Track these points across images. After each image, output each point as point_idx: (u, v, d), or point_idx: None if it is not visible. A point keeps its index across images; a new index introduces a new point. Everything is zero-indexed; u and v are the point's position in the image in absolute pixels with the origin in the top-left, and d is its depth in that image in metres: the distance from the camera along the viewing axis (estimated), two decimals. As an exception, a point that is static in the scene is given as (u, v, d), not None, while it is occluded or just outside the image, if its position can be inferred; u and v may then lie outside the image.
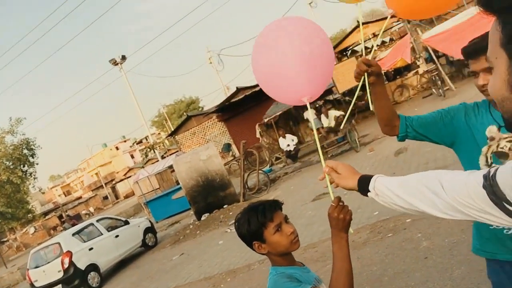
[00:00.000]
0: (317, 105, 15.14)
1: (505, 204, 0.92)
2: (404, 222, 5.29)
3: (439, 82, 14.37)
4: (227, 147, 23.71)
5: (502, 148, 1.70)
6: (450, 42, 12.65)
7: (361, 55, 10.87)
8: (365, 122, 17.09)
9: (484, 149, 1.75)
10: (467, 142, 1.79)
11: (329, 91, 16.24)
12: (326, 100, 16.80)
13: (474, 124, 1.77)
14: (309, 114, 16.31)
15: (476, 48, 1.65)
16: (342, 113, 14.21)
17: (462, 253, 3.96)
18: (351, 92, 15.67)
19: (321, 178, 1.50)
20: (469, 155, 1.80)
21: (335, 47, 20.65)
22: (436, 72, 14.88)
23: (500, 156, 1.72)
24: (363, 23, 18.29)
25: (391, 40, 22.31)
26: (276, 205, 1.63)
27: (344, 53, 20.79)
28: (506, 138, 1.70)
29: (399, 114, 1.86)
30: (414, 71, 17.64)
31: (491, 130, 1.73)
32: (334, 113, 14.23)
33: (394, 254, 4.65)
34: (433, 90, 15.14)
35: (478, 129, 1.76)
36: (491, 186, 0.95)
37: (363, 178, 1.34)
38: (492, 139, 1.73)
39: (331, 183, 1.49)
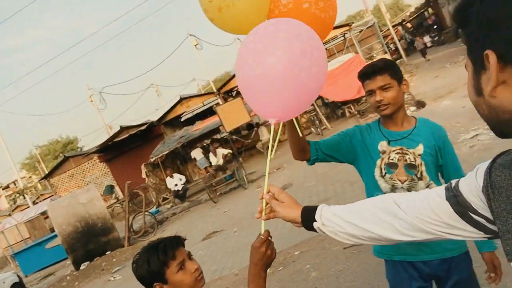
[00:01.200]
0: (204, 144, 15.18)
1: (470, 214, 0.89)
2: (293, 255, 5.40)
3: (317, 122, 15.69)
4: (109, 189, 22.36)
5: (392, 159, 1.95)
6: (325, 86, 13.86)
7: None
8: (252, 159, 17.56)
9: (378, 161, 1.98)
10: (364, 158, 2.03)
11: (216, 130, 16.44)
12: (213, 139, 16.96)
13: (368, 141, 2.02)
14: (197, 153, 16.26)
15: (373, 69, 1.94)
16: (230, 151, 14.45)
17: (348, 280, 4.14)
18: (237, 131, 16.06)
19: (261, 197, 1.35)
20: (367, 168, 2.03)
21: (220, 88, 21.19)
22: (314, 113, 16.06)
23: (391, 167, 1.95)
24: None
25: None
26: (178, 242, 1.54)
27: (230, 94, 21.43)
28: (395, 150, 1.95)
29: (308, 140, 1.99)
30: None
31: (382, 145, 1.98)
32: (222, 151, 14.39)
33: (285, 287, 4.69)
34: (312, 129, 16.37)
35: (372, 145, 2.00)
36: (454, 196, 0.92)
37: (308, 208, 1.24)
38: (384, 152, 1.97)
39: (269, 213, 1.35)
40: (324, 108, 18.08)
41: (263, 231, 1.35)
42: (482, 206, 0.87)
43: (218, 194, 12.90)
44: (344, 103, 16.23)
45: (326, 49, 20.84)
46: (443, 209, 0.94)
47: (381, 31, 26.54)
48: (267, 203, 1.34)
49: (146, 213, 12.36)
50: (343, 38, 22.18)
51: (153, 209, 15.11)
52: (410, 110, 10.97)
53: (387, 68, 1.92)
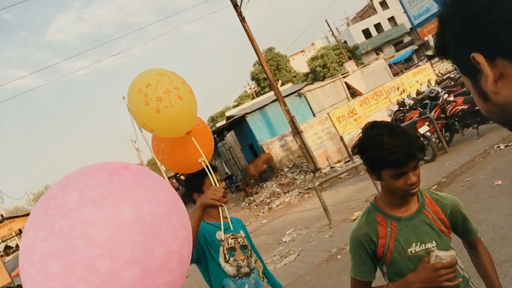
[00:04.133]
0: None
1: None
2: None
3: None
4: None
5: (230, 244, 2.32)
6: None
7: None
8: None
9: (221, 249, 2.28)
10: (208, 253, 2.27)
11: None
12: None
13: (208, 236, 2.29)
14: None
15: None
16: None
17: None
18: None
19: None
20: (212, 260, 2.26)
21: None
22: None
23: (231, 250, 2.30)
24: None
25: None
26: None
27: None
28: (230, 236, 2.34)
29: None
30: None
31: (219, 234, 2.31)
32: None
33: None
34: None
35: (212, 238, 2.29)
36: None
37: None
38: (222, 240, 2.30)
39: None
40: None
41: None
42: None
43: None
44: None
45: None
46: None
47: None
48: None
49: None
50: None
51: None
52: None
53: None
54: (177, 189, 39.84)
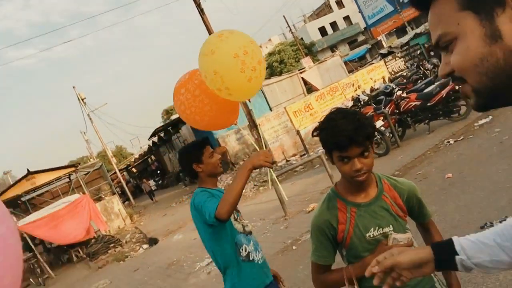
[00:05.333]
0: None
1: None
2: None
3: (38, 271, 13.62)
4: None
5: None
6: (48, 228, 13.64)
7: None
8: None
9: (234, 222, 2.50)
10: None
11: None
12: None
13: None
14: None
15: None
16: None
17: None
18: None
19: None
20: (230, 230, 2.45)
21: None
22: (34, 260, 13.88)
23: (236, 211, 2.53)
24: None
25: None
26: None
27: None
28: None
29: None
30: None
31: None
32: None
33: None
34: (31, 279, 13.57)
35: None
36: None
37: (438, 243, 1.11)
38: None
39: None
40: (46, 254, 15.61)
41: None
42: None
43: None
44: (71, 246, 14.64)
45: (49, 191, 19.88)
46: None
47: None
48: None
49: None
50: (68, 179, 20.24)
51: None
52: (143, 248, 11.96)
53: None
54: (127, 182, 38.78)
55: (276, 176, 8.53)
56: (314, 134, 1.67)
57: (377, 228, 1.63)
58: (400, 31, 34.07)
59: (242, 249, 2.44)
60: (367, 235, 1.63)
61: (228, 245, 2.41)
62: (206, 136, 2.66)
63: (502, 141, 6.29)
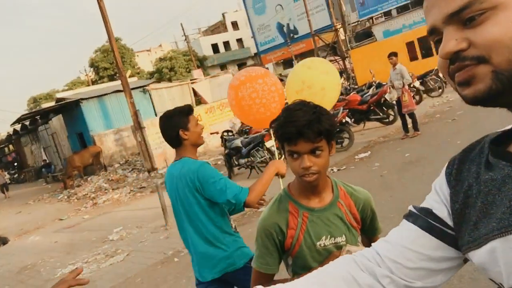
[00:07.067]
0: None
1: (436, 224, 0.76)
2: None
3: None
4: None
5: None
6: None
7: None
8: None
9: None
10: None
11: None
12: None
13: None
14: None
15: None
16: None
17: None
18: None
19: None
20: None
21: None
22: None
23: None
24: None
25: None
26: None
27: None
28: None
29: None
30: None
31: None
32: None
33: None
34: None
35: None
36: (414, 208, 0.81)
37: None
38: None
39: None
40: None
41: None
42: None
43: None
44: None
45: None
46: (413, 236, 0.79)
47: None
48: None
49: None
50: None
51: None
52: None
53: None
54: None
55: (160, 184, 8.10)
56: (271, 126, 1.53)
57: (329, 236, 1.51)
58: (288, 62, 36.10)
59: (231, 222, 2.52)
60: (318, 243, 1.50)
61: (224, 216, 2.46)
62: (188, 104, 2.62)
63: (382, 175, 6.87)
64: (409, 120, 8.89)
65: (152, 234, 7.36)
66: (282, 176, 2.43)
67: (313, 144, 1.40)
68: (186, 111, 2.49)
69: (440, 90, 13.86)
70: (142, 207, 10.03)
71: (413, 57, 18.55)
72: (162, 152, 14.65)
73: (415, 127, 8.85)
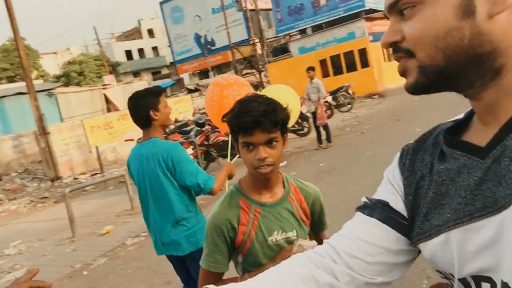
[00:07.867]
0: None
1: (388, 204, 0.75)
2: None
3: None
4: None
5: None
6: None
7: None
8: None
9: None
10: None
11: None
12: None
13: None
14: None
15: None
16: None
17: None
18: None
19: None
20: None
21: None
22: None
23: None
24: None
25: None
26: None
27: None
28: None
29: None
30: None
31: None
32: None
33: None
34: None
35: None
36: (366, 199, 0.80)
37: None
38: None
39: None
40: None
41: None
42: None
43: None
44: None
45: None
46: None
47: None
48: None
49: None
50: None
51: None
52: None
53: None
54: None
55: (62, 195, 7.48)
56: (224, 119, 1.48)
57: (280, 231, 1.50)
58: (204, 73, 36.07)
59: (197, 201, 2.61)
60: (270, 239, 1.49)
61: (191, 196, 2.53)
62: (158, 85, 2.70)
63: (299, 183, 7.03)
64: (323, 132, 9.33)
65: (57, 246, 6.75)
66: (230, 178, 2.57)
67: (269, 134, 1.38)
68: (157, 92, 2.54)
69: (350, 106, 14.77)
70: (44, 219, 9.19)
71: (325, 74, 19.60)
72: (67, 160, 13.66)
73: (329, 139, 9.30)
